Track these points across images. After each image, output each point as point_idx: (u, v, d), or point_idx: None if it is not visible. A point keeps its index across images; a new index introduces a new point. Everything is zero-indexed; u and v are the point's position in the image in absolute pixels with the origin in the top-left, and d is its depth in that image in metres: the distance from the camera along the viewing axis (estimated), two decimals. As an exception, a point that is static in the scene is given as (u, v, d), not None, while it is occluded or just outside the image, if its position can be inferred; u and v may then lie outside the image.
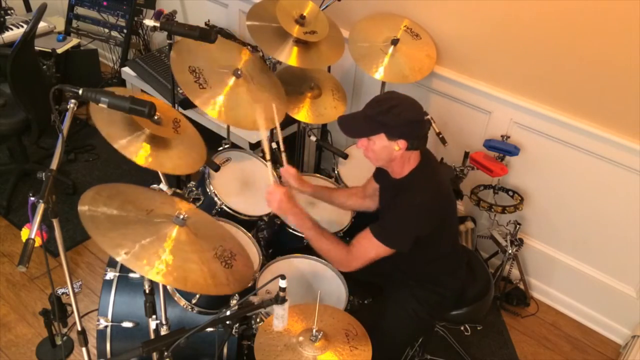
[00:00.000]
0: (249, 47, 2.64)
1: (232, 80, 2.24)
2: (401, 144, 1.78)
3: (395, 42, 2.57)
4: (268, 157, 2.03)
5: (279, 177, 2.47)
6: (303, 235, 2.29)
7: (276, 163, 2.54)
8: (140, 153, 1.72)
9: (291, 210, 1.95)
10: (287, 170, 2.19)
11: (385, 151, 1.81)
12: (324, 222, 2.38)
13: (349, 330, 1.72)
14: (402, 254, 1.90)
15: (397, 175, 1.90)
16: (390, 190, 1.97)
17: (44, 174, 1.44)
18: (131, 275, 2.04)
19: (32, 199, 1.40)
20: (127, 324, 1.97)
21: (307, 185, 2.22)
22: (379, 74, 2.54)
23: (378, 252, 1.85)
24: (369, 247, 1.86)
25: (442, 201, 1.90)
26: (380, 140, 1.79)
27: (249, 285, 1.78)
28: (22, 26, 3.47)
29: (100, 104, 1.52)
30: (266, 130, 2.20)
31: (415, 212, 1.82)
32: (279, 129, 2.16)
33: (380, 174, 2.01)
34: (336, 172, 2.61)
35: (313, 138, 2.70)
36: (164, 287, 1.84)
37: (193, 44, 2.21)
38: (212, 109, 2.14)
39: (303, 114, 2.48)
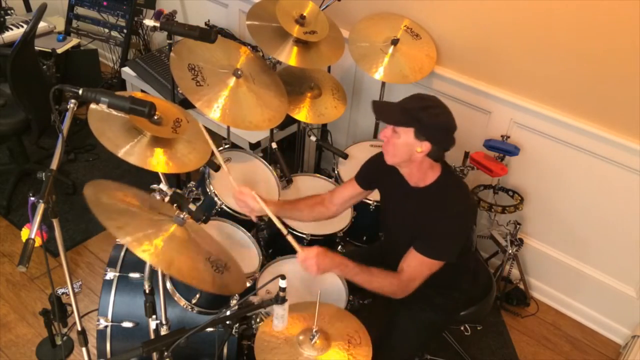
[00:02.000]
0: (249, 47, 2.64)
1: (232, 80, 2.23)
2: (425, 146, 1.73)
3: (395, 42, 2.57)
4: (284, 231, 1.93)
5: (281, 176, 2.48)
6: (304, 236, 2.30)
7: (276, 163, 2.55)
8: (153, 159, 1.73)
9: (332, 264, 1.84)
10: (243, 193, 2.01)
11: (406, 149, 1.76)
12: (323, 223, 2.39)
13: (352, 337, 1.72)
14: None
15: (418, 183, 1.85)
16: (410, 199, 1.89)
17: (44, 174, 1.43)
18: (131, 275, 2.04)
19: (32, 199, 1.40)
20: (127, 324, 1.97)
21: (269, 203, 2.04)
22: (378, 74, 2.54)
23: (432, 269, 1.82)
24: (423, 267, 1.82)
25: (474, 210, 1.93)
26: (406, 135, 1.74)
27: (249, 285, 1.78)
28: (22, 26, 3.47)
29: (100, 104, 1.52)
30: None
31: (462, 221, 1.82)
32: (215, 150, 2.01)
33: (384, 180, 1.96)
34: (336, 172, 2.61)
35: (313, 138, 2.70)
36: (164, 287, 1.84)
37: (193, 43, 2.21)
38: (214, 112, 2.13)
39: (303, 114, 2.48)
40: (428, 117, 1.72)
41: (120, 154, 1.66)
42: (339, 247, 2.42)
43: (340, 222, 2.39)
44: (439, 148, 1.75)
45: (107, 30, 3.75)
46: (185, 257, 1.51)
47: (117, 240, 1.42)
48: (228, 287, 1.63)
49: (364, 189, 2.07)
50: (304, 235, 2.31)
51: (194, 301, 1.92)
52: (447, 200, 1.82)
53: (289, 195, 2.49)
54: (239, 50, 2.38)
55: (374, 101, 1.85)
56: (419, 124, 1.72)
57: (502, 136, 2.65)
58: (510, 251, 2.71)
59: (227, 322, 1.57)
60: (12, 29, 3.44)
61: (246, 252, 2.17)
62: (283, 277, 1.52)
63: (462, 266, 2.01)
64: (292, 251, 2.23)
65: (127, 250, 2.09)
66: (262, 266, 2.16)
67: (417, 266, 1.82)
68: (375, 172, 2.00)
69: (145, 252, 1.42)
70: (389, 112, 1.79)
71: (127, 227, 1.44)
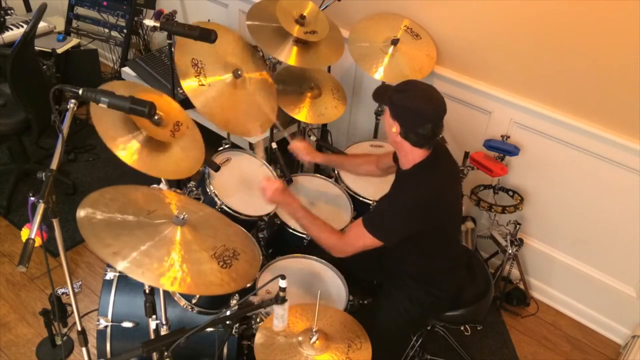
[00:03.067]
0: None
1: (229, 77, 2.24)
2: (396, 127, 1.83)
3: (395, 42, 2.57)
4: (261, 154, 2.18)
5: (281, 176, 2.48)
6: (304, 235, 2.30)
7: (276, 163, 2.55)
8: (128, 153, 1.72)
9: (284, 200, 2.03)
10: (296, 145, 2.32)
11: (388, 127, 1.88)
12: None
13: (353, 342, 1.71)
14: (402, 250, 1.93)
15: (402, 166, 1.94)
16: (396, 180, 2.00)
17: (44, 174, 1.43)
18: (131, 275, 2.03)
19: (32, 199, 1.40)
20: (127, 324, 1.97)
21: (318, 156, 2.34)
22: (378, 74, 2.54)
23: (365, 242, 1.87)
24: (358, 235, 1.89)
25: (437, 202, 1.87)
26: (387, 114, 1.87)
27: (249, 284, 1.77)
28: (22, 26, 3.47)
29: (100, 104, 1.52)
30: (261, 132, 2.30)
31: (404, 209, 1.84)
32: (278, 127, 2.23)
33: (396, 160, 2.06)
34: (336, 172, 2.61)
35: (313, 138, 2.70)
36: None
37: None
38: (203, 103, 2.14)
39: (303, 114, 2.48)
40: (399, 98, 1.82)
41: (117, 149, 1.67)
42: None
43: (340, 222, 2.39)
44: (409, 130, 1.81)
45: (107, 30, 3.75)
46: (187, 265, 1.49)
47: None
48: (241, 278, 1.59)
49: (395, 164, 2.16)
50: (304, 236, 2.31)
51: (194, 301, 1.92)
52: (404, 184, 1.90)
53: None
54: (257, 65, 2.40)
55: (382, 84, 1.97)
56: (391, 104, 1.85)
57: (502, 136, 2.65)
58: (510, 251, 2.70)
59: (227, 322, 1.57)
60: (12, 29, 3.44)
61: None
62: (283, 277, 1.52)
63: (438, 264, 2.04)
64: (292, 251, 2.26)
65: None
66: (262, 266, 2.16)
67: (355, 233, 1.91)
68: None
69: (145, 274, 1.41)
70: (377, 91, 1.98)
71: (124, 249, 1.43)
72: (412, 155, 1.86)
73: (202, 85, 2.16)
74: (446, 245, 2.04)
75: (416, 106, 1.80)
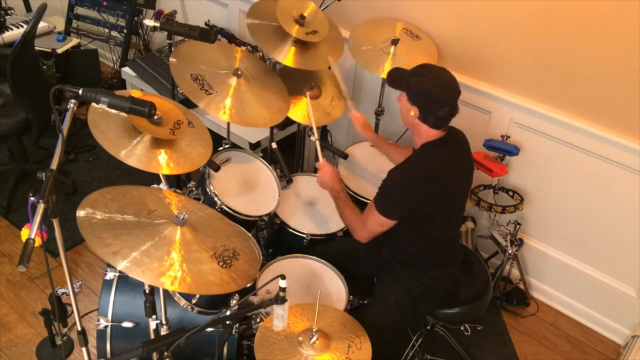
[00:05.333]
0: (248, 47, 2.63)
1: (234, 80, 2.25)
2: (415, 111, 1.88)
3: (395, 42, 2.57)
4: (317, 136, 2.36)
5: (281, 176, 2.48)
6: (303, 235, 2.30)
7: (276, 163, 2.55)
8: (155, 161, 1.74)
9: (332, 186, 2.14)
10: (356, 116, 2.42)
11: (405, 111, 1.93)
12: (323, 222, 2.40)
13: (353, 342, 1.72)
14: (398, 233, 1.98)
15: (414, 145, 2.00)
16: (407, 158, 2.04)
17: (44, 174, 1.43)
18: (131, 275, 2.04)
19: (32, 199, 1.40)
20: (127, 324, 1.97)
21: (371, 133, 2.44)
22: (385, 74, 2.53)
23: (375, 220, 1.93)
24: (369, 214, 1.96)
25: (438, 179, 1.91)
26: (403, 98, 1.92)
27: (249, 285, 1.77)
28: (22, 26, 3.48)
29: (100, 104, 1.52)
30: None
31: (405, 181, 1.90)
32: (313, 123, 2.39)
33: None
34: (336, 172, 2.61)
35: (313, 138, 2.70)
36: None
37: (189, 49, 2.21)
38: (224, 113, 2.16)
39: (301, 115, 2.47)
40: (414, 82, 1.88)
41: (121, 155, 1.66)
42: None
43: (340, 222, 2.39)
44: (428, 114, 1.87)
45: (107, 30, 3.75)
46: (187, 265, 1.49)
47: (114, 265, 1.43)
48: (241, 278, 1.60)
49: None
50: (304, 235, 2.31)
51: (194, 301, 1.92)
52: (409, 160, 1.95)
53: (289, 195, 2.49)
54: (232, 50, 2.40)
55: (395, 68, 2.03)
56: (407, 88, 1.90)
57: (502, 136, 2.65)
58: (510, 251, 2.71)
59: (227, 322, 1.57)
60: (12, 29, 3.44)
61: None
62: (283, 277, 1.52)
63: (432, 250, 2.05)
64: (292, 251, 2.25)
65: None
66: (262, 266, 2.16)
67: (368, 210, 1.98)
68: None
69: (145, 273, 1.42)
70: (394, 75, 1.98)
71: (124, 249, 1.43)
72: (427, 135, 1.93)
73: (211, 94, 2.17)
74: (443, 233, 2.05)
75: (435, 91, 1.87)
